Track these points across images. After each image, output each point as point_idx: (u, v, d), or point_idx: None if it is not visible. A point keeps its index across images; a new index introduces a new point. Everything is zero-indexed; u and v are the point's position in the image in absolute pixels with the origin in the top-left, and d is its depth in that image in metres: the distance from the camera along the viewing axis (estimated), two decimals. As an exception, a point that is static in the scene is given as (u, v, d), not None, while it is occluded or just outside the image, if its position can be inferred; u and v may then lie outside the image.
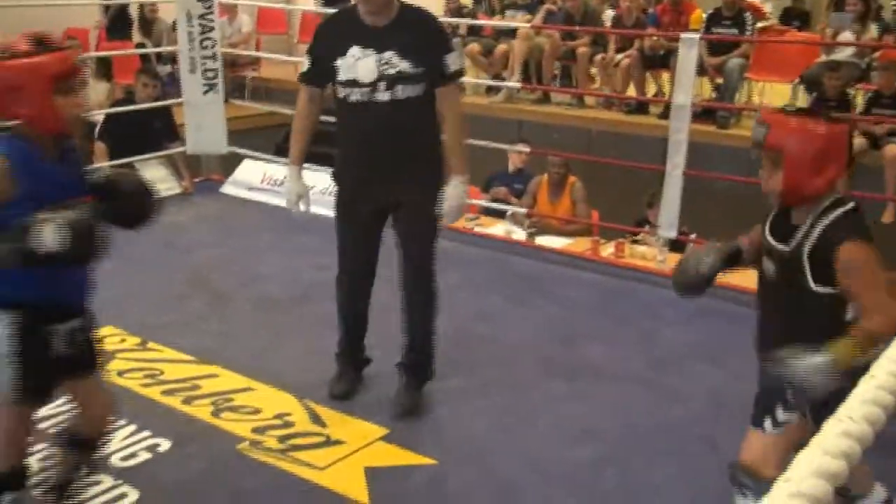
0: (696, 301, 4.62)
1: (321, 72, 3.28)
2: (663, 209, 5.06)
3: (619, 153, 6.88)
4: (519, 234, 5.66)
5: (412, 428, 3.35)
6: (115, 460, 3.08)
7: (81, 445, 2.64)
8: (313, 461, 3.12)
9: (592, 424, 3.42)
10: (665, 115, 6.16)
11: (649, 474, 3.11)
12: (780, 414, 2.40)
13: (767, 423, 2.44)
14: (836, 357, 2.10)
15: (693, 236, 5.24)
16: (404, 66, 3.13)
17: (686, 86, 4.92)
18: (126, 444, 3.18)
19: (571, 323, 4.37)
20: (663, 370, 3.89)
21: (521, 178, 6.44)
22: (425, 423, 3.41)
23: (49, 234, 2.13)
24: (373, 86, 3.14)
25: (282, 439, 3.26)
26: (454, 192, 3.25)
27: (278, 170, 6.16)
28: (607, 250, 5.39)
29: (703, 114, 7.37)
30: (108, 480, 2.94)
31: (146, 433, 3.26)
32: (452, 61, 3.25)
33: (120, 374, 3.65)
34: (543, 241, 5.63)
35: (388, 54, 3.13)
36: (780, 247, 2.33)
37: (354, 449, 3.20)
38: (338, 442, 3.25)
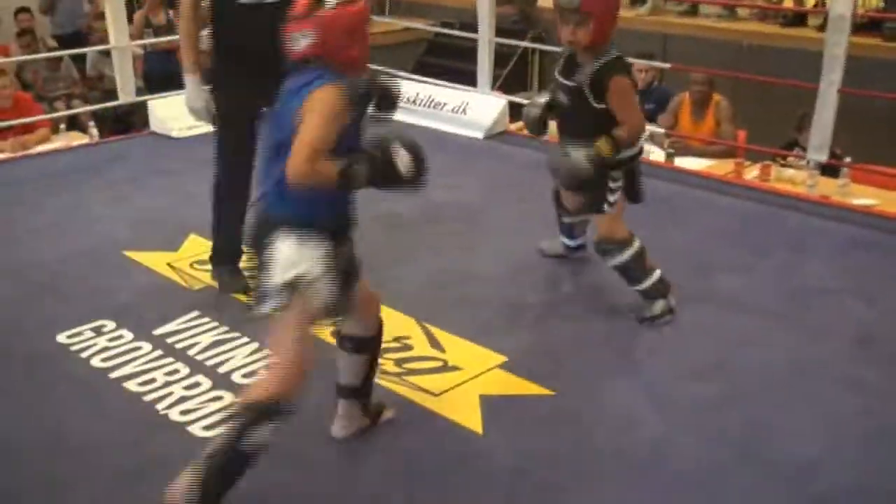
0: (847, 231, 4.34)
1: None
2: (814, 130, 4.68)
3: (774, 69, 6.42)
4: (657, 155, 5.40)
5: (531, 356, 3.26)
6: (236, 377, 3.14)
7: (366, 345, 2.72)
8: (429, 387, 3.09)
9: (720, 359, 3.24)
10: (825, 27, 5.69)
11: (779, 417, 2.91)
12: (611, 197, 3.33)
13: (606, 207, 3.34)
14: (598, 149, 3.16)
15: (848, 160, 4.85)
16: None
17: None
18: (249, 360, 3.23)
19: (707, 251, 4.14)
20: (805, 305, 3.63)
21: (653, 96, 6.08)
22: (545, 352, 3.31)
23: (405, 157, 2.33)
24: None
25: (399, 363, 3.25)
26: None
27: (411, 87, 6.08)
28: (752, 173, 5.08)
29: (869, 25, 6.78)
30: (228, 397, 3.00)
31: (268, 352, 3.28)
32: None
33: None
34: (683, 162, 5.36)
35: None
36: (569, 82, 3.27)
37: (471, 376, 3.15)
38: (455, 368, 3.20)
